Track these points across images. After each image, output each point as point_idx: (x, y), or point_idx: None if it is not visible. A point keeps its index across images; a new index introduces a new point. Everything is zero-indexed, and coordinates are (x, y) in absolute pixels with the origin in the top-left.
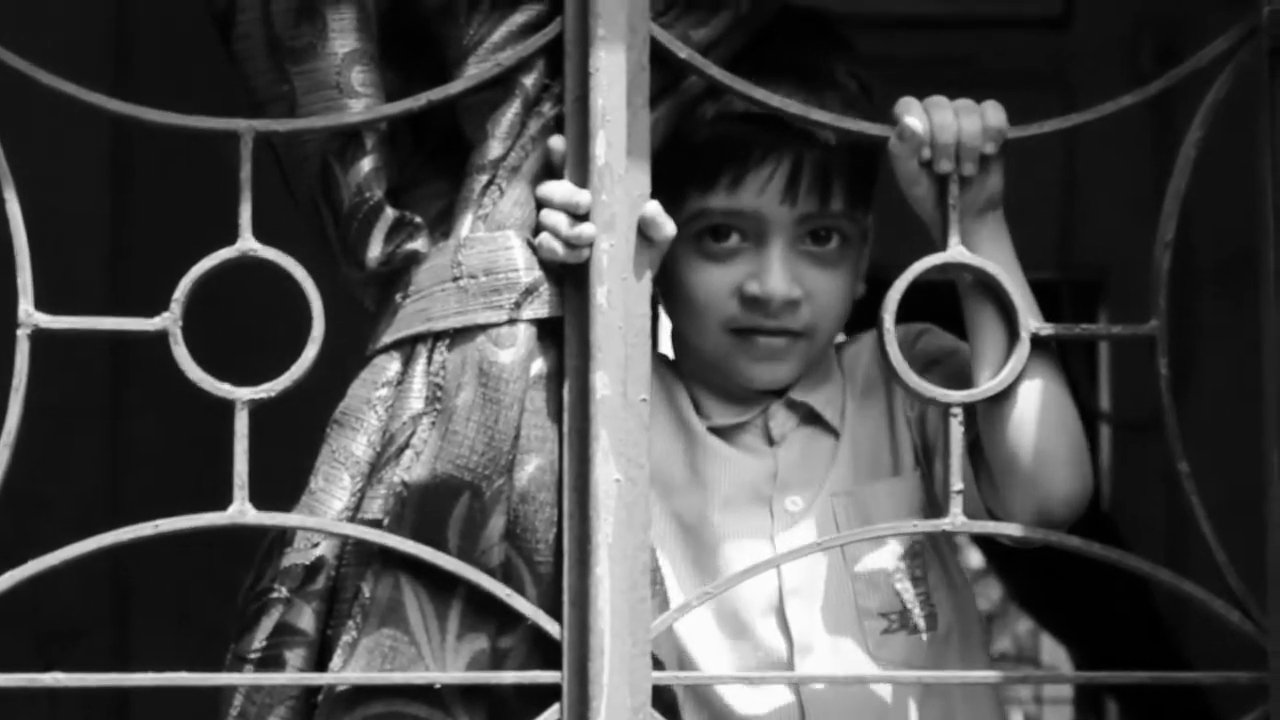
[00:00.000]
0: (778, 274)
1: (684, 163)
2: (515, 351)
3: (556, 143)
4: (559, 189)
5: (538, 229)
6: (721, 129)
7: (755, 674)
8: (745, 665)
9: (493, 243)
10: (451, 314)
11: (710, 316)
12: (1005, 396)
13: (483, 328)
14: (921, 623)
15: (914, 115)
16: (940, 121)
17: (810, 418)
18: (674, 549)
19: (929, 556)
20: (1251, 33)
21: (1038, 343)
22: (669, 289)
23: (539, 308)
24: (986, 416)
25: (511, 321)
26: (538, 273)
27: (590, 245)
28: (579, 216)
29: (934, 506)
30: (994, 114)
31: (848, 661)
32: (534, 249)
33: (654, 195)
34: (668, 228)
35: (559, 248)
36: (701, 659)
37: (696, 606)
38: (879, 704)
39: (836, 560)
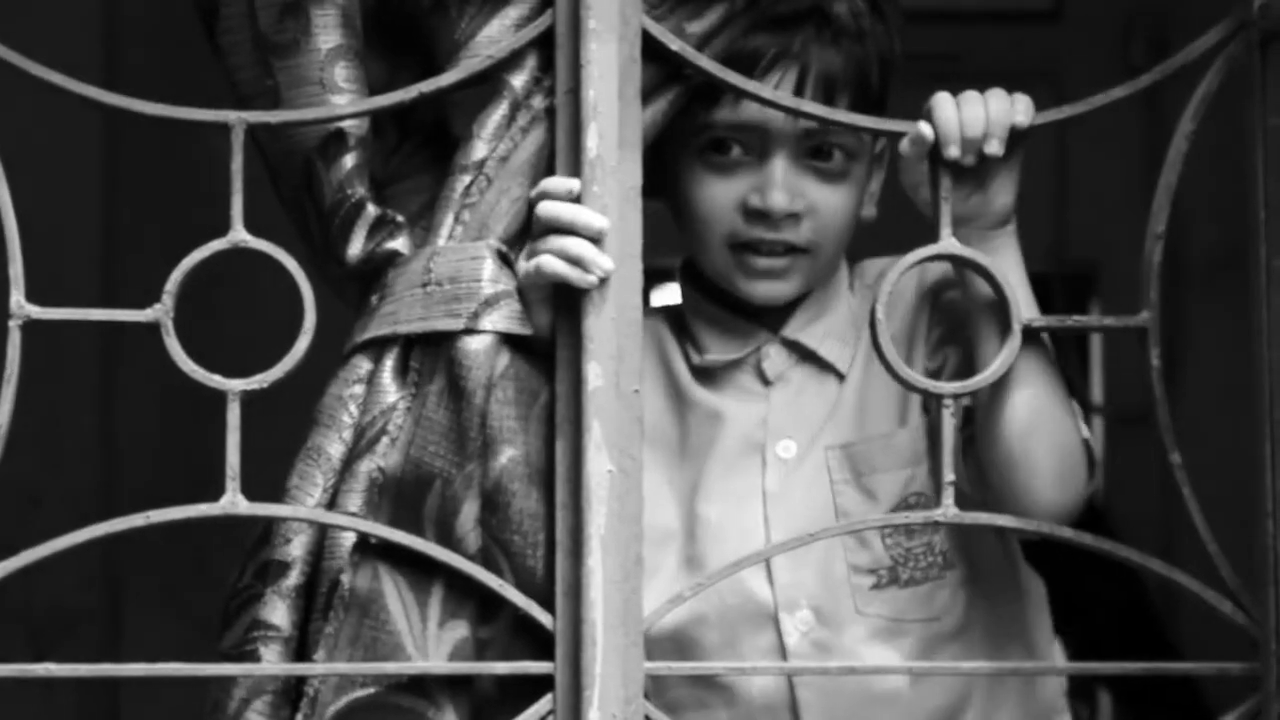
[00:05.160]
0: (779, 186)
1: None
2: (482, 339)
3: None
4: (571, 211)
5: (535, 250)
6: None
7: (749, 665)
8: (727, 616)
9: (463, 252)
10: (415, 319)
11: (713, 230)
12: (999, 410)
13: (443, 335)
14: (918, 574)
15: (943, 108)
16: (971, 115)
17: (809, 356)
18: (668, 518)
19: (931, 500)
20: (1242, 25)
21: (1034, 341)
22: (676, 206)
23: (498, 320)
24: (983, 428)
25: (469, 331)
26: (503, 286)
27: (607, 275)
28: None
29: (934, 455)
30: (1022, 101)
31: (833, 619)
32: (509, 263)
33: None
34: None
35: (564, 269)
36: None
37: (690, 598)
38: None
39: (825, 516)
